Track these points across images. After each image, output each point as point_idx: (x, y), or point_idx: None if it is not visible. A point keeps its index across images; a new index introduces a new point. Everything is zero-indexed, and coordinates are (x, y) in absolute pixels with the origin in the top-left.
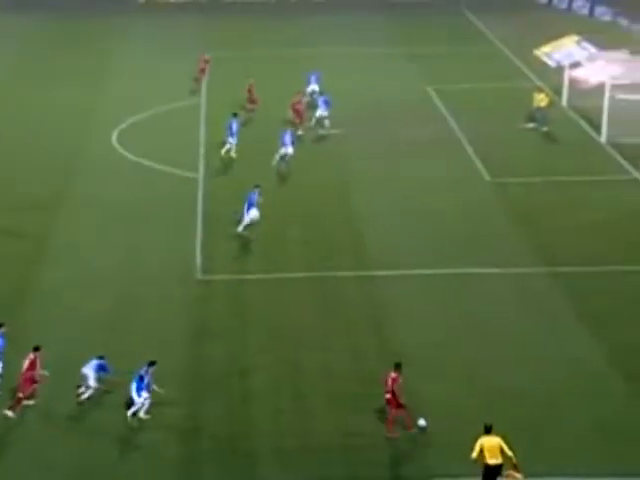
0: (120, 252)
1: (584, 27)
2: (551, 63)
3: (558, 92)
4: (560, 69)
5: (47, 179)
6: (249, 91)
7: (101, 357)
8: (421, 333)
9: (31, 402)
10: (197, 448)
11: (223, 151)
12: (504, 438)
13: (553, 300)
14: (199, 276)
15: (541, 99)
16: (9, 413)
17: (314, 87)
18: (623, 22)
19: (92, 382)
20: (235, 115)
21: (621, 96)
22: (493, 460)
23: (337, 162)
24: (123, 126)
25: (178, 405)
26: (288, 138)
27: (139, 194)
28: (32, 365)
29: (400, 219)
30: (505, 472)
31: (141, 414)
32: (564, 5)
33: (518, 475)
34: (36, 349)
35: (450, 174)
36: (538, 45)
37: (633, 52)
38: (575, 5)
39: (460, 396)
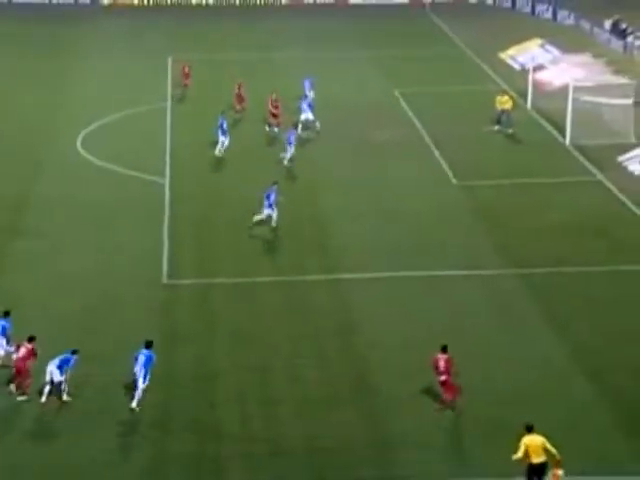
0: (85, 256)
1: (548, 31)
2: (516, 66)
3: (523, 94)
4: (524, 72)
5: (11, 182)
6: (238, 91)
7: (75, 352)
8: (389, 337)
9: (24, 397)
10: (164, 453)
11: (217, 150)
12: (545, 437)
13: (519, 301)
14: (165, 280)
15: (505, 101)
16: (23, 397)
17: (310, 93)
18: (586, 26)
19: (56, 377)
20: (223, 113)
21: (584, 98)
22: (538, 459)
23: (305, 165)
24: (88, 129)
25: (145, 409)
26: (292, 138)
27: (105, 198)
28: (28, 355)
29: (367, 222)
30: (551, 471)
31: (134, 404)
32: (528, 9)
33: (560, 472)
34: (31, 339)
35: (417, 177)
36: (503, 48)
37: (596, 55)
38: (538, 9)
39: (428, 398)
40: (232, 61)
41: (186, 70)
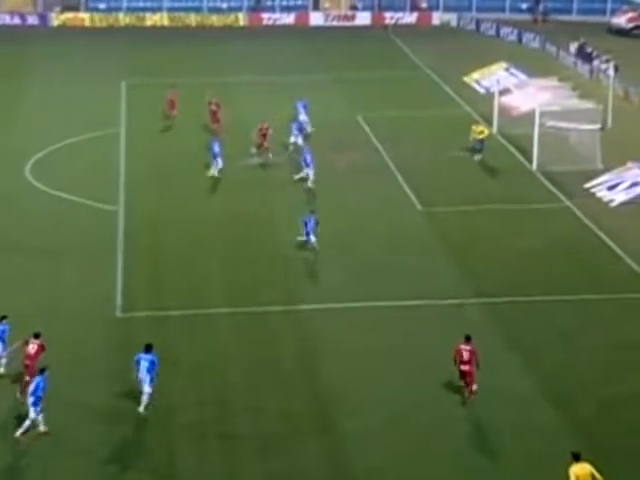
0: (35, 290)
1: (513, 54)
2: (480, 90)
3: (488, 119)
4: (489, 96)
5: None
6: (213, 110)
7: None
8: (351, 368)
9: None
10: None
11: (209, 173)
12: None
13: (484, 330)
14: (119, 314)
15: (480, 131)
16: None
17: (304, 117)
18: (551, 49)
19: None
20: (214, 135)
21: (551, 123)
22: None
23: (263, 191)
24: (37, 156)
25: (101, 446)
26: (309, 158)
27: (55, 229)
28: (39, 351)
29: (328, 250)
30: None
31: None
32: (492, 32)
33: None
34: (37, 336)
35: (380, 203)
36: (467, 71)
37: (562, 79)
38: (503, 32)
39: (391, 431)
40: (188, 85)
41: (172, 99)
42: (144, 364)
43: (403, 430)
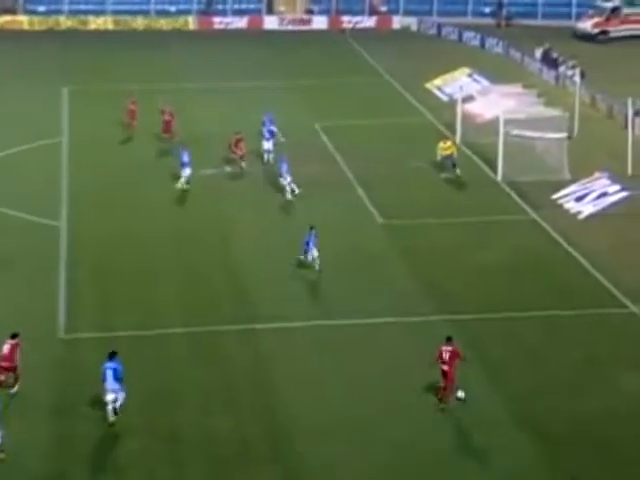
0: None
1: (476, 59)
2: (443, 97)
3: (450, 127)
4: (452, 103)
5: None
6: (166, 119)
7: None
8: (309, 391)
9: (15, 389)
10: None
11: (178, 184)
12: None
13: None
14: (62, 335)
15: (448, 147)
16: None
17: (271, 128)
18: (515, 54)
19: None
20: (183, 145)
21: (516, 132)
22: None
23: (218, 205)
24: None
25: (44, 475)
26: (285, 168)
27: None
28: (13, 350)
29: (285, 267)
30: None
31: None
32: (454, 36)
33: None
34: (14, 336)
35: (339, 216)
36: (429, 78)
37: (527, 86)
38: (465, 36)
39: (351, 455)
40: (135, 92)
41: (132, 108)
42: (109, 374)
43: (364, 455)
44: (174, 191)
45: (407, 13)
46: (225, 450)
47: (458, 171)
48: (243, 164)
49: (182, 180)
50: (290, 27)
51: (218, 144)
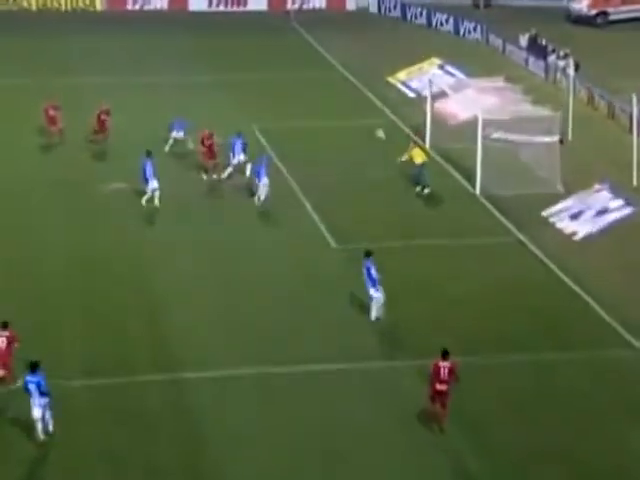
0: None
1: (448, 47)
2: (409, 93)
3: (418, 130)
4: (421, 100)
5: None
6: (100, 118)
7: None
8: (244, 451)
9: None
10: None
11: (144, 199)
12: None
13: (415, 399)
14: None
15: (416, 154)
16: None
17: (180, 134)
18: (496, 41)
19: None
20: (149, 155)
21: (497, 135)
22: None
23: (132, 226)
24: None
25: None
26: (263, 171)
27: None
28: (10, 344)
29: (215, 302)
30: None
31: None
32: (422, 20)
33: None
34: (5, 326)
35: (284, 239)
36: (392, 70)
37: (510, 79)
38: (436, 19)
39: None
40: (25, 88)
41: (51, 113)
42: (33, 388)
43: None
44: (71, 208)
45: None
46: None
47: (419, 189)
48: (219, 174)
49: (149, 194)
50: (222, 8)
51: (128, 153)
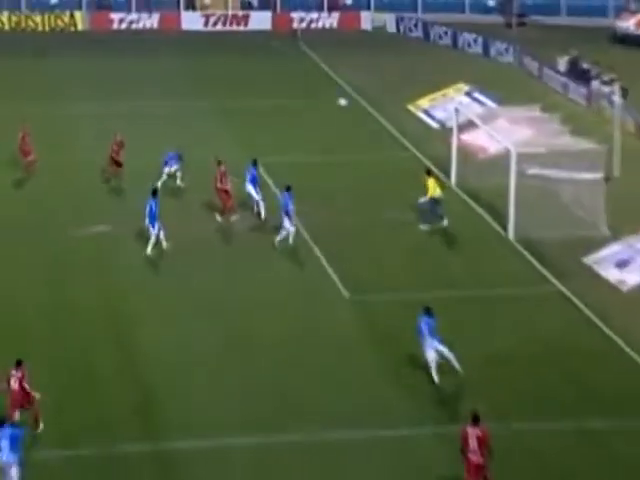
0: None
1: (477, 72)
2: (432, 123)
3: (443, 166)
4: (445, 132)
5: None
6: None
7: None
8: None
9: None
10: None
11: (149, 248)
12: None
13: (445, 471)
14: None
15: (430, 186)
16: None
17: (173, 169)
18: (531, 64)
19: None
20: (155, 194)
21: (533, 171)
22: None
23: (118, 275)
24: None
25: None
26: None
27: None
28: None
29: (215, 361)
30: None
31: None
32: (447, 40)
33: None
34: (19, 364)
35: (291, 290)
36: (412, 98)
37: (547, 108)
38: (463, 40)
39: None
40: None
41: (26, 141)
42: (5, 444)
43: None
44: (42, 254)
45: (381, 8)
46: None
47: (445, 222)
48: (233, 217)
49: (152, 242)
50: (219, 28)
51: (112, 191)
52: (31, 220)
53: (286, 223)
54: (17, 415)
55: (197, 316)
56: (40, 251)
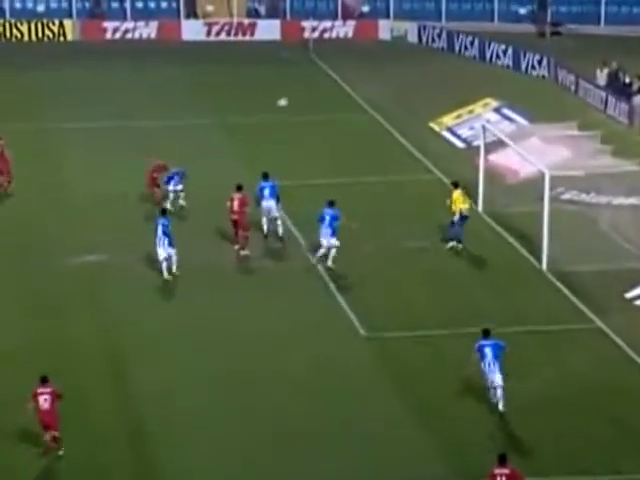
0: None
1: (506, 86)
2: (457, 142)
3: (469, 190)
4: (472, 152)
5: None
6: (153, 176)
7: None
8: None
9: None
10: None
11: (165, 273)
12: None
13: None
14: None
15: (457, 199)
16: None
17: (178, 187)
18: (567, 78)
19: None
20: (164, 214)
21: (569, 196)
22: None
23: (110, 308)
24: None
25: None
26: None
27: None
28: (53, 403)
29: (218, 406)
30: None
31: None
32: (474, 50)
33: None
34: (44, 381)
35: (303, 326)
36: (435, 114)
37: (584, 125)
38: (491, 51)
39: None
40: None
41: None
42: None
43: None
44: (29, 286)
45: (401, 16)
46: None
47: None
48: (243, 252)
49: (167, 263)
50: (223, 37)
51: (107, 214)
52: (18, 245)
53: (331, 239)
54: (48, 437)
55: (197, 352)
56: (26, 283)
